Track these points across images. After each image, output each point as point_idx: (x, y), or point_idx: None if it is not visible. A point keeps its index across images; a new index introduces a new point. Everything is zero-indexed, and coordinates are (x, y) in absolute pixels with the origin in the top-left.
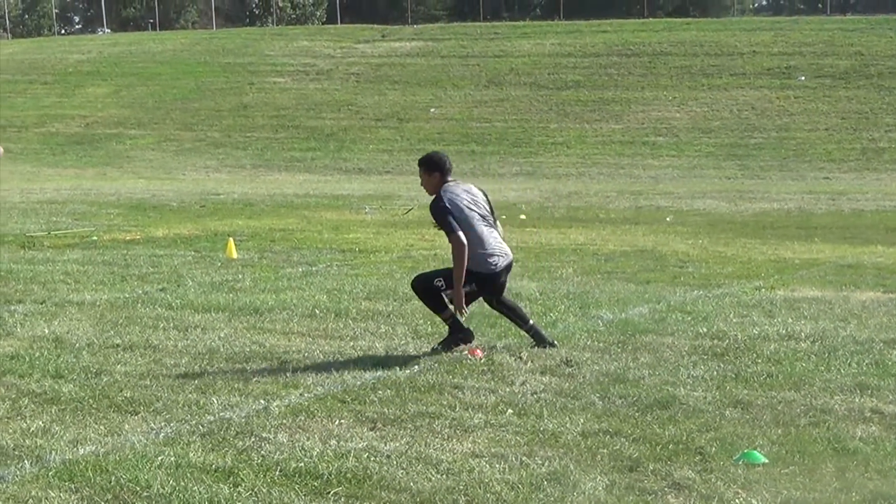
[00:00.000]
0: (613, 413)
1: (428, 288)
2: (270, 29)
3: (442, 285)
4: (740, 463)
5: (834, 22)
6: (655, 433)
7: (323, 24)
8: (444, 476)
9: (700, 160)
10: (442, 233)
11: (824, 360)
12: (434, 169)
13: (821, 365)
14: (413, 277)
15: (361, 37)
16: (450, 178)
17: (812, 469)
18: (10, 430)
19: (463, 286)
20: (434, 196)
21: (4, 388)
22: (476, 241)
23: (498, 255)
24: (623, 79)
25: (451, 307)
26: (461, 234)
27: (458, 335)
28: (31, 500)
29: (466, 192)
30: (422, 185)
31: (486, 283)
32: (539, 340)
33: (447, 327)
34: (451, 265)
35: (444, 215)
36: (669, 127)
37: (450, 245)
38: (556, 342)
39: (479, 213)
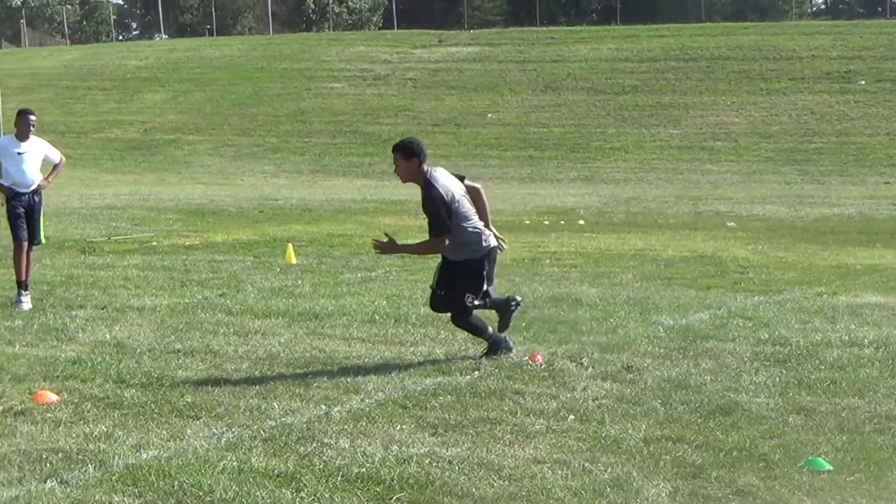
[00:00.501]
0: (676, 419)
1: (461, 310)
2: (327, 34)
3: (472, 299)
4: (805, 470)
5: (894, 25)
6: (718, 439)
7: (379, 29)
8: (507, 482)
9: (759, 165)
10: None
11: (888, 366)
12: (412, 155)
13: (885, 371)
14: (434, 301)
15: (418, 42)
16: (426, 166)
17: (878, 476)
18: (74, 435)
19: (481, 279)
20: (424, 184)
21: (67, 392)
22: (476, 232)
23: (487, 234)
24: (681, 83)
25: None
26: (447, 237)
27: (502, 346)
28: (94, 503)
29: (452, 181)
30: (396, 172)
31: (490, 259)
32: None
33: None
34: (468, 277)
35: (439, 209)
36: (728, 132)
37: (430, 236)
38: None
39: (468, 201)
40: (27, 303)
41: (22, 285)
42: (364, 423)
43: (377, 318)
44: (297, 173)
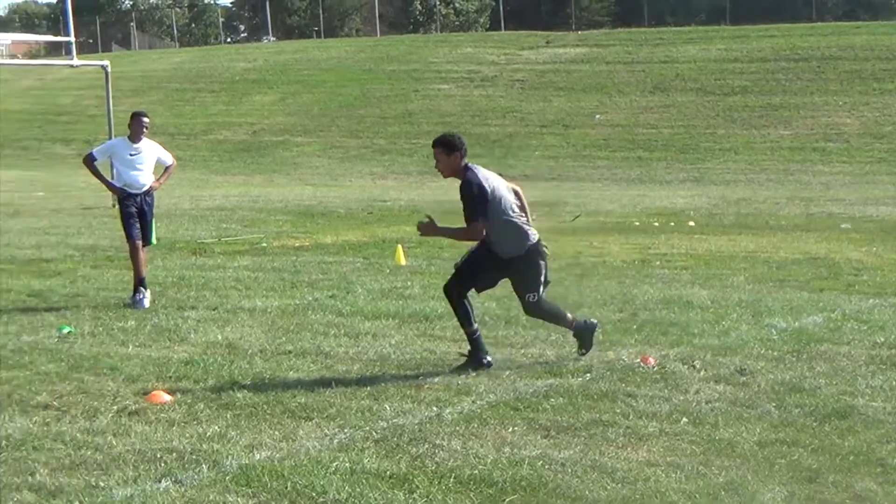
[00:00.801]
0: (790, 423)
1: (545, 310)
2: (434, 36)
3: (535, 296)
4: None
5: None
6: (834, 444)
7: (486, 30)
8: (620, 485)
9: (872, 166)
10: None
11: None
12: (454, 149)
13: None
14: (528, 308)
15: (526, 43)
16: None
17: None
18: (188, 435)
19: (536, 274)
20: (463, 173)
21: (181, 393)
22: (519, 227)
23: (533, 232)
24: (791, 84)
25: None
26: (483, 226)
27: (481, 359)
28: (208, 503)
29: (494, 176)
30: (437, 167)
31: (542, 255)
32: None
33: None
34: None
35: (474, 196)
36: (840, 132)
37: (466, 223)
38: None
39: (513, 196)
40: (147, 298)
41: (142, 282)
42: (476, 425)
43: (487, 319)
44: (405, 174)
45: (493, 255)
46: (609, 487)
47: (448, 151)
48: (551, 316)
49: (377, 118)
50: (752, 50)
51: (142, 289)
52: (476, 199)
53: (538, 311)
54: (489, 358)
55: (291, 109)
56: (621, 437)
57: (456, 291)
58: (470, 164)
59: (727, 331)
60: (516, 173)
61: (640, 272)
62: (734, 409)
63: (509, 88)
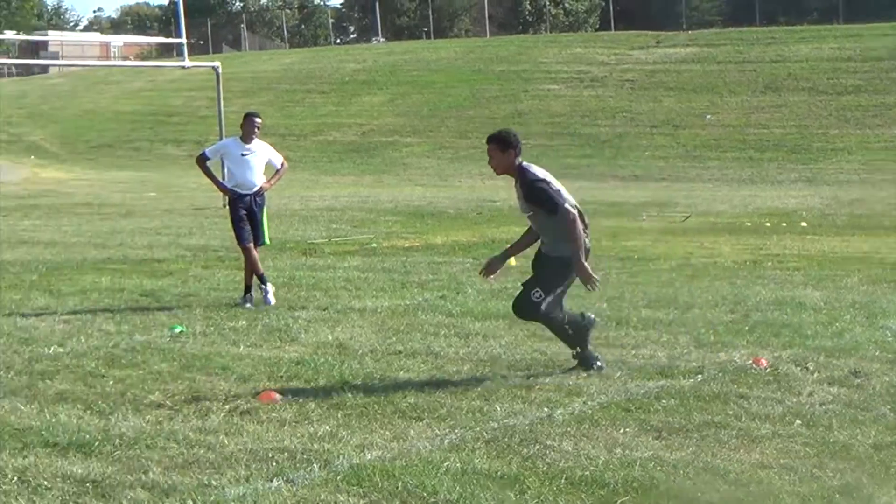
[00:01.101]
0: None
1: (528, 304)
2: (544, 36)
3: (540, 296)
4: None
5: None
6: None
7: (596, 30)
8: (733, 487)
9: None
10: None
11: None
12: (508, 146)
13: None
14: (516, 307)
15: (636, 43)
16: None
17: None
18: (299, 435)
19: (561, 282)
20: (521, 173)
21: (291, 393)
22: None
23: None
24: None
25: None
26: (569, 206)
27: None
28: (320, 503)
29: (549, 174)
30: (490, 164)
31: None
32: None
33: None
34: (551, 273)
35: (546, 187)
36: None
37: (559, 221)
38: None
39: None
40: (271, 293)
41: (262, 279)
42: (587, 426)
43: (598, 320)
44: None
45: (538, 253)
46: (721, 489)
47: (503, 148)
48: (547, 321)
49: (486, 119)
50: (865, 49)
51: (264, 287)
52: (549, 189)
53: (534, 312)
54: (600, 363)
55: (401, 110)
56: (734, 438)
57: (530, 315)
58: (524, 164)
59: (841, 332)
60: (626, 174)
61: (751, 273)
62: (848, 411)
63: (619, 88)
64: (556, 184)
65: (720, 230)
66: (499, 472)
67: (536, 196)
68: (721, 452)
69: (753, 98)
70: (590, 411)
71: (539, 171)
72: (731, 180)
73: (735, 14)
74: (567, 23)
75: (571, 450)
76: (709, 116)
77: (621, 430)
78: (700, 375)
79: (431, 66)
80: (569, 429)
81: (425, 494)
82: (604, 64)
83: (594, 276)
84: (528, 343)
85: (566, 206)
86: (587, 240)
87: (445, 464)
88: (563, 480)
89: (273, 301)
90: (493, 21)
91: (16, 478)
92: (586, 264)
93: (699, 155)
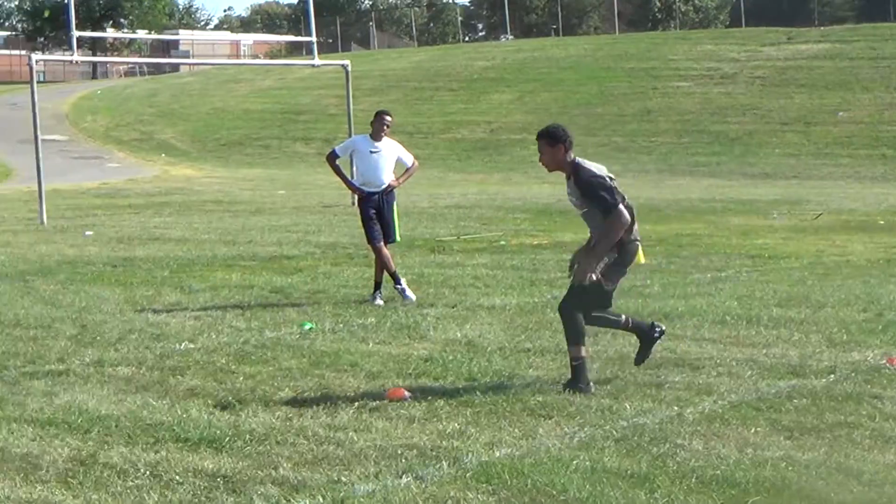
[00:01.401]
0: None
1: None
2: (674, 33)
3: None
4: None
5: None
6: None
7: (726, 27)
8: (867, 488)
9: None
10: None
11: None
12: (558, 141)
13: None
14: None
15: (766, 39)
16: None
17: None
18: (428, 432)
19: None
20: (573, 169)
21: (420, 391)
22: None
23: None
24: None
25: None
26: (623, 206)
27: (580, 384)
28: (449, 500)
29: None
30: (541, 160)
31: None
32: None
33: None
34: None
35: (601, 183)
36: None
37: (612, 216)
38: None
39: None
40: (408, 290)
41: (395, 277)
42: (717, 425)
43: (728, 319)
44: (643, 172)
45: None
46: (855, 490)
47: (552, 143)
48: (573, 324)
49: (615, 116)
50: None
51: (399, 286)
52: (605, 184)
53: (574, 314)
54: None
55: (529, 108)
56: (867, 439)
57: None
58: (578, 159)
59: None
60: (756, 171)
61: (885, 272)
62: None
63: (749, 85)
64: (610, 180)
65: (852, 228)
66: (628, 471)
67: (594, 193)
68: (854, 453)
69: (887, 95)
70: (720, 410)
71: (594, 167)
72: (864, 178)
73: (868, 9)
74: (697, 19)
75: (702, 449)
76: (841, 113)
77: (752, 430)
78: (832, 375)
79: (560, 64)
80: (699, 428)
81: (555, 492)
82: (734, 61)
83: (594, 276)
84: (657, 341)
85: (621, 206)
86: (636, 235)
87: (575, 462)
88: (693, 479)
89: (412, 297)
90: (622, 18)
91: (148, 472)
92: (598, 265)
93: (830, 152)
